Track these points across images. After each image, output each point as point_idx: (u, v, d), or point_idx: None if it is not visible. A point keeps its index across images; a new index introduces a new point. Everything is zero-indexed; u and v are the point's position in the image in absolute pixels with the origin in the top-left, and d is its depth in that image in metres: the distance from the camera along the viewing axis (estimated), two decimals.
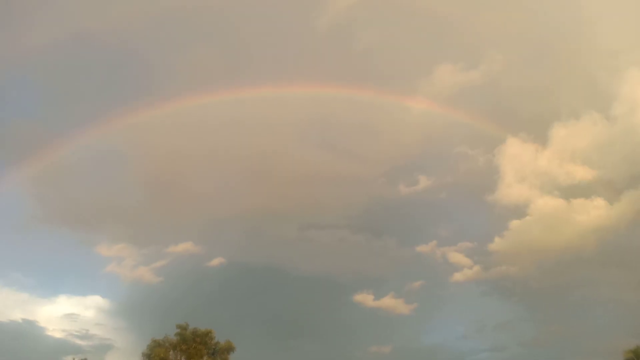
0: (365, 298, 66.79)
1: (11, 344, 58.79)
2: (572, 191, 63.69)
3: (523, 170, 67.51)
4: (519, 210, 66.62)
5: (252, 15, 72.93)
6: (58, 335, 63.18)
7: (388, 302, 66.39)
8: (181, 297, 64.22)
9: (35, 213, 71.64)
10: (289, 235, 74.32)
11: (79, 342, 62.22)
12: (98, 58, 74.02)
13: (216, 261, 68.74)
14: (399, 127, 76.52)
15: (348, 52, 75.17)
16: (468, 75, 71.82)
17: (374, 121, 76.61)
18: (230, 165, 75.19)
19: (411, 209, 76.44)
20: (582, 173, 63.95)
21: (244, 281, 70.28)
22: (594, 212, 62.04)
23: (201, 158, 74.74)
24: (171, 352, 31.52)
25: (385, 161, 77.13)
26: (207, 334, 32.13)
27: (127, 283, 70.47)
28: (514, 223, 65.78)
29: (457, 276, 66.28)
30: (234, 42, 75.47)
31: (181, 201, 75.85)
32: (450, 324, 67.37)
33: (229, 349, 32.08)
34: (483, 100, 71.05)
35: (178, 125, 71.12)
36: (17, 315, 66.16)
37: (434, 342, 65.73)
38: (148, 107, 68.29)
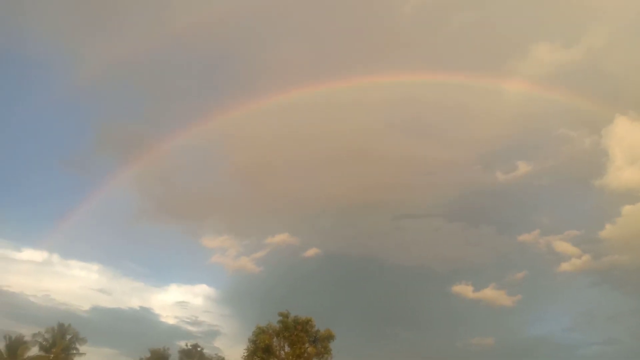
0: (464, 289, 65.49)
1: (131, 329, 64.82)
2: None
3: (635, 151, 62.42)
4: (632, 195, 62.07)
5: (339, 7, 73.44)
6: (171, 321, 68.67)
7: (489, 293, 64.59)
8: (280, 286, 66.91)
9: (144, 208, 78.06)
10: (383, 225, 74.52)
11: (189, 328, 67.19)
12: (194, 59, 78.59)
13: (311, 252, 70.83)
14: (494, 110, 73.46)
15: (437, 36, 73.33)
16: (568, 52, 67.35)
17: (467, 106, 74.13)
18: (322, 155, 76.56)
19: (510, 196, 73.46)
20: None
21: (339, 271, 71.68)
22: None
23: (293, 150, 76.83)
24: (274, 339, 32.89)
25: (480, 147, 74.56)
26: (308, 322, 32.95)
27: (230, 272, 74.89)
28: (627, 208, 61.65)
29: (564, 266, 63.58)
30: (322, 35, 76.32)
31: (276, 193, 78.65)
32: (556, 315, 64.70)
33: (329, 337, 32.73)
34: (586, 78, 66.25)
35: (271, 119, 73.42)
36: (134, 302, 72.79)
37: (540, 334, 63.71)
38: (242, 103, 71.34)
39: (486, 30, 72.82)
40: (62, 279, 71.28)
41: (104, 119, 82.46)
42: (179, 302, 71.93)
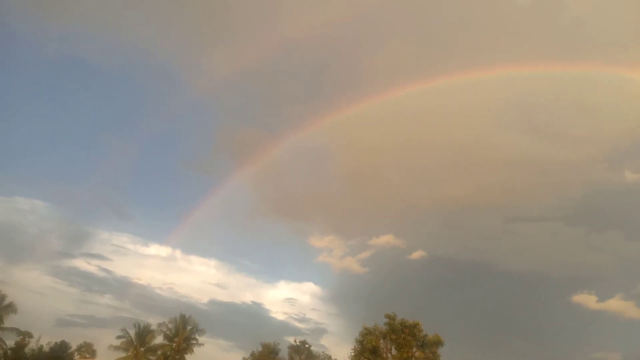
0: (586, 299, 60.53)
1: (244, 322, 68.46)
2: None
3: None
4: None
5: (446, 1, 71.22)
6: (280, 317, 71.34)
7: (615, 304, 59.16)
8: (385, 288, 66.52)
9: (257, 207, 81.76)
10: (493, 228, 70.94)
11: (297, 324, 69.31)
12: (303, 65, 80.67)
13: (417, 254, 69.45)
14: (622, 102, 66.63)
15: (555, 25, 68.04)
16: None
17: (589, 98, 68.02)
18: (429, 155, 74.54)
19: None
20: None
21: (446, 275, 69.56)
22: None
23: (400, 149, 75.76)
24: (381, 341, 32.55)
25: (605, 143, 68.05)
26: (415, 325, 32.10)
27: (336, 272, 76.06)
28: None
29: None
30: (429, 30, 74.44)
31: (381, 193, 78.27)
32: None
33: (438, 342, 31.59)
34: None
35: (378, 119, 73.02)
36: (247, 297, 76.78)
37: None
38: (349, 105, 71.79)
39: (608, 15, 66.38)
40: (184, 273, 77.36)
41: (222, 123, 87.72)
42: (287, 298, 74.56)
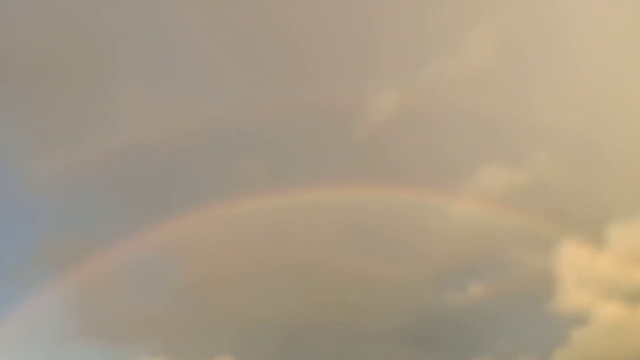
0: None
1: None
2: (637, 296, 58.50)
3: (581, 275, 62.30)
4: (580, 319, 60.88)
5: (294, 129, 75.39)
6: None
7: None
8: None
9: (76, 326, 71.80)
10: (331, 349, 70.12)
11: None
12: (145, 171, 77.49)
13: None
14: (445, 229, 73.13)
15: (387, 158, 75.10)
16: (514, 176, 69.85)
17: (418, 223, 73.93)
18: (271, 271, 73.55)
19: (464, 319, 71.36)
20: None
21: None
22: None
23: (242, 264, 73.87)
24: None
25: (433, 265, 73.29)
26: None
27: None
28: (575, 333, 60.36)
29: None
30: (277, 151, 77.38)
31: (220, 310, 73.96)
32: None
33: None
34: (532, 201, 67.84)
35: (218, 233, 71.22)
36: None
37: None
38: (190, 216, 69.56)
39: (434, 153, 75.21)
40: None
41: (46, 229, 78.74)
42: None
